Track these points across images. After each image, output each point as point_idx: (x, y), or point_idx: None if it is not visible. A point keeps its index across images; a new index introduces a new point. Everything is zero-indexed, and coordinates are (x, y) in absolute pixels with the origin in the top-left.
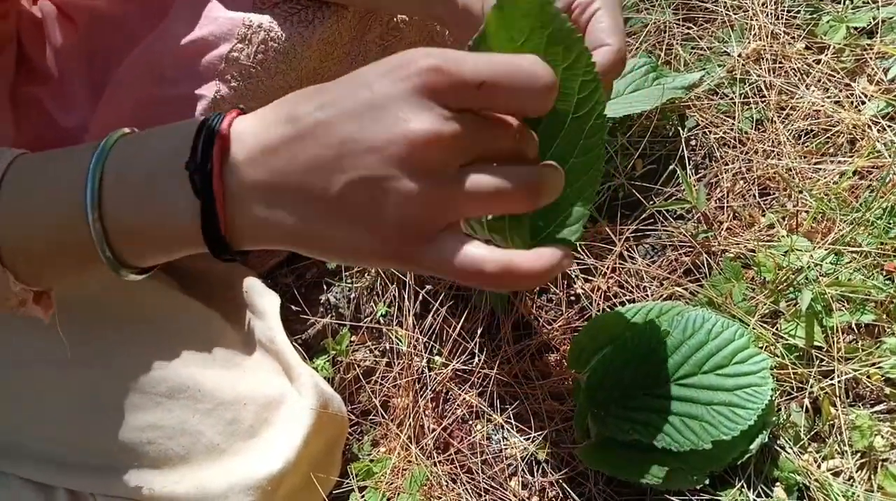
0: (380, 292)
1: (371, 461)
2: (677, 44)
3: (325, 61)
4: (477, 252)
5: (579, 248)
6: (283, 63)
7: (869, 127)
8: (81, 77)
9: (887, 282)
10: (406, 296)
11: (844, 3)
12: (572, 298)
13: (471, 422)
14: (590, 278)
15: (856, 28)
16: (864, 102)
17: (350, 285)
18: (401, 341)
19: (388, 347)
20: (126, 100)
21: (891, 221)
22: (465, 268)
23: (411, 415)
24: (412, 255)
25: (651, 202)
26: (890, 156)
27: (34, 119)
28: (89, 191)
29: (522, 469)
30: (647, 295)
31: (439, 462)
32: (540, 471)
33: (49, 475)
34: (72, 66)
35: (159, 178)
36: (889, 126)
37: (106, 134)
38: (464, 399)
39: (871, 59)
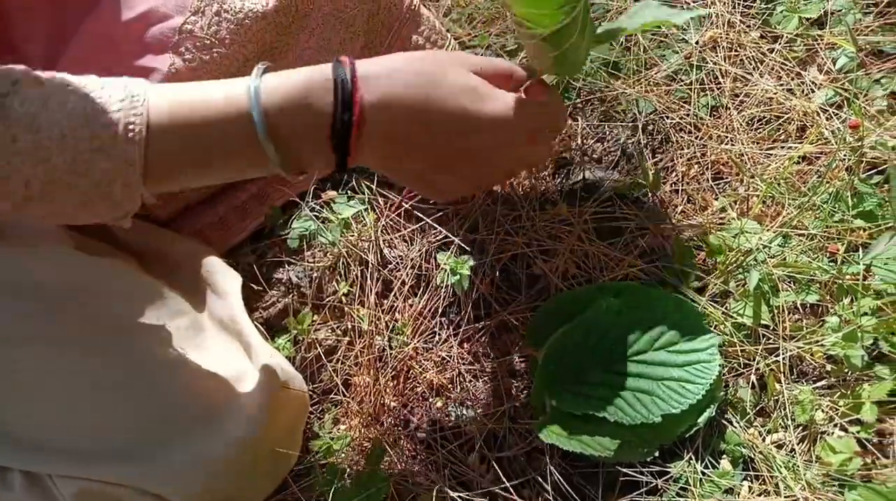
0: (342, 272)
1: (332, 438)
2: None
3: (283, 34)
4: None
5: (541, 229)
6: (239, 34)
7: (818, 114)
8: (39, 37)
9: (831, 264)
10: (368, 276)
11: None
12: (531, 279)
13: (431, 399)
14: (548, 259)
15: (807, 19)
16: (813, 91)
17: (312, 264)
18: (362, 320)
19: (350, 326)
20: (77, 73)
21: (836, 205)
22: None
23: (372, 393)
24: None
25: (609, 184)
26: (836, 143)
27: None
28: (259, 127)
29: (481, 445)
30: (604, 276)
31: (399, 438)
32: (498, 446)
33: (4, 456)
34: (27, 33)
35: (300, 136)
36: (836, 114)
37: None
38: (424, 376)
39: (821, 48)
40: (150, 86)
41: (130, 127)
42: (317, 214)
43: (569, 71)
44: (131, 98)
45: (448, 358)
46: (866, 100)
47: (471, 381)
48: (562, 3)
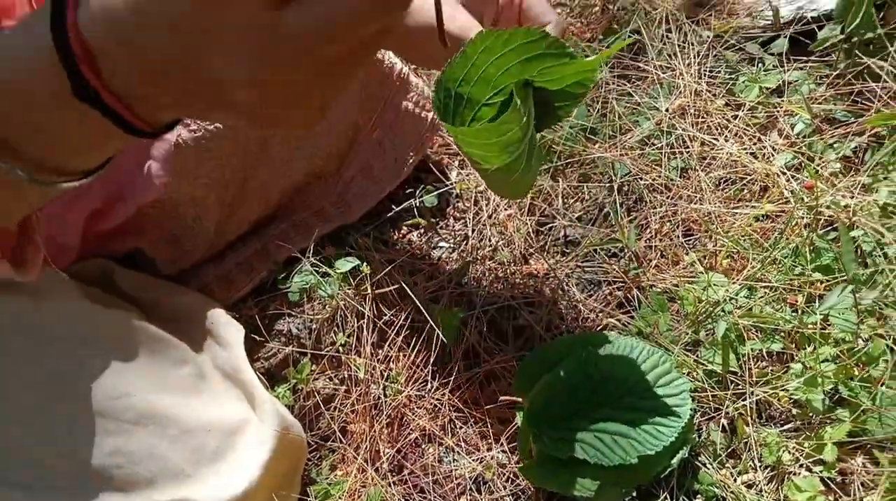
0: (339, 323)
1: (329, 484)
2: (613, 98)
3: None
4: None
5: (526, 283)
6: (211, 141)
7: (778, 176)
8: None
9: (793, 314)
10: (364, 327)
11: (757, 66)
12: (517, 330)
13: (423, 445)
14: (533, 310)
15: (767, 88)
16: (774, 154)
17: (311, 316)
18: (359, 369)
19: (346, 375)
20: None
21: (796, 260)
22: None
23: (368, 439)
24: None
25: (588, 241)
26: (794, 202)
27: None
28: None
29: (471, 488)
30: (584, 326)
31: (394, 483)
32: (487, 490)
33: (15, 496)
34: None
35: (36, 101)
36: (794, 176)
37: None
38: (417, 423)
39: (780, 115)
40: None
41: None
42: (316, 269)
43: (521, 192)
44: None
45: (439, 406)
46: (821, 163)
47: (461, 427)
48: (506, 145)
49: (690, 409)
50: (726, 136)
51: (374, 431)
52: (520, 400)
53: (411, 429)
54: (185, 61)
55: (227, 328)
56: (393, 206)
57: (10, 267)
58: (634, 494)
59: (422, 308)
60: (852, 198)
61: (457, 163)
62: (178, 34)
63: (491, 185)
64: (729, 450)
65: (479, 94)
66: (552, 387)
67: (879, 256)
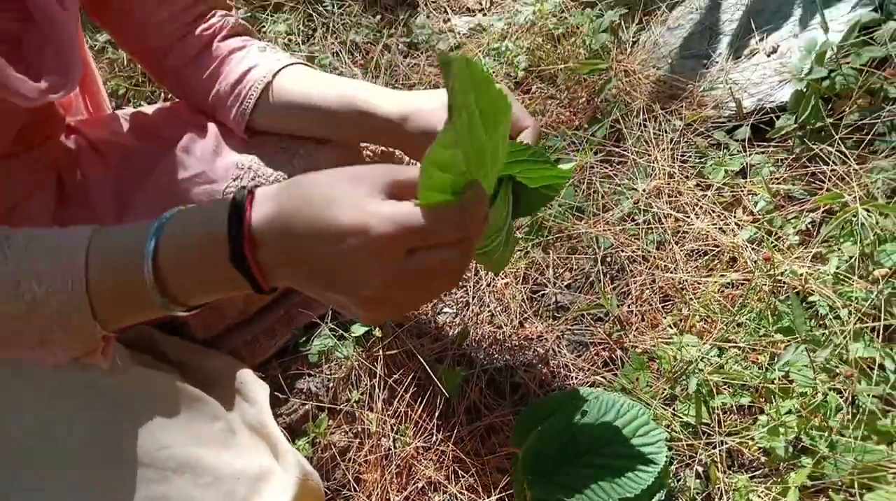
0: (354, 382)
1: None
2: (597, 180)
3: None
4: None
5: (521, 344)
6: None
7: (743, 248)
8: (108, 199)
9: (759, 371)
10: (376, 385)
11: (723, 151)
12: (514, 386)
13: (430, 493)
14: (528, 369)
15: (732, 170)
16: (739, 229)
17: (329, 376)
18: (371, 423)
19: (360, 429)
20: (144, 219)
21: (759, 323)
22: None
23: (379, 488)
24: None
25: (576, 307)
26: (757, 271)
27: None
28: (147, 260)
29: None
30: (573, 383)
31: None
32: None
33: None
34: (100, 189)
35: (208, 263)
36: (757, 249)
37: None
38: (424, 472)
39: (744, 194)
40: (84, 247)
41: (70, 282)
42: (334, 333)
43: (500, 267)
44: (72, 259)
45: (444, 457)
46: (781, 237)
47: (463, 476)
48: (489, 232)
49: (666, 457)
50: (697, 213)
51: (385, 480)
52: (517, 451)
53: (418, 478)
54: (330, 275)
55: (254, 387)
56: None
57: (102, 360)
58: None
59: (427, 368)
60: (806, 268)
61: None
62: (333, 259)
63: (476, 261)
64: (703, 495)
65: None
66: (543, 439)
67: (831, 319)
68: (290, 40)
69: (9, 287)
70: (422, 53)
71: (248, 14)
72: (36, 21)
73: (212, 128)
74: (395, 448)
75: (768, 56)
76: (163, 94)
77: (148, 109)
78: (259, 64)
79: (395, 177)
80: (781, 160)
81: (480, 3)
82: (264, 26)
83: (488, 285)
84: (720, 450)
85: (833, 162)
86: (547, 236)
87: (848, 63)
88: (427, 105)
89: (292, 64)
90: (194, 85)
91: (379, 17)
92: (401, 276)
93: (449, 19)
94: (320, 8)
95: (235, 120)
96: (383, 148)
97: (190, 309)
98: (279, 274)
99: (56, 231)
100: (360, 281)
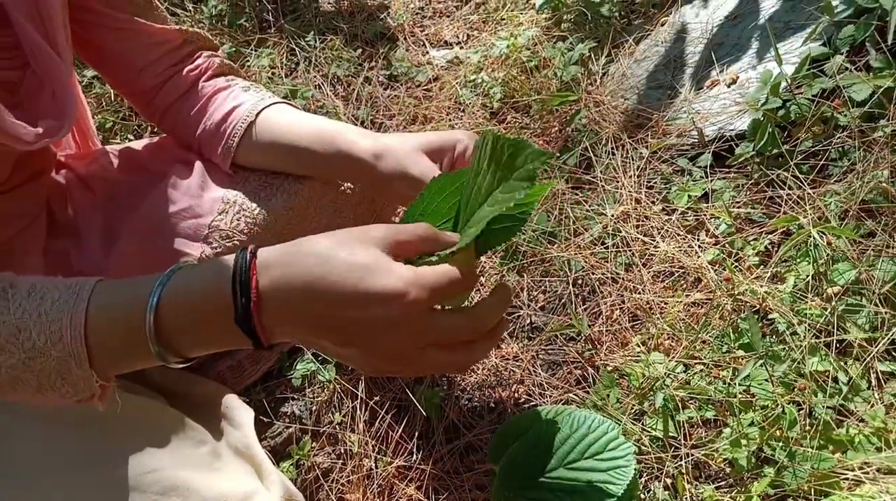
0: (336, 404)
1: None
2: (567, 206)
3: (291, 223)
4: (444, 364)
5: (498, 365)
6: (256, 226)
7: (706, 269)
8: (97, 231)
9: (723, 386)
10: (358, 407)
11: (687, 177)
12: (491, 405)
13: None
14: (505, 389)
15: (695, 195)
16: (702, 250)
17: (311, 399)
18: (353, 444)
19: (343, 450)
20: (132, 251)
21: (722, 340)
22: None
23: None
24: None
25: (550, 327)
26: (719, 291)
27: (60, 267)
28: (149, 312)
29: None
30: (547, 401)
31: None
32: None
33: None
34: (89, 222)
35: (211, 320)
36: (718, 270)
37: (118, 277)
38: (405, 491)
39: (706, 218)
40: (85, 299)
41: (69, 332)
42: (316, 357)
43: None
44: (73, 309)
45: (424, 475)
46: (742, 258)
47: (443, 494)
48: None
49: (635, 469)
50: (663, 236)
51: (367, 499)
52: (494, 467)
53: (400, 497)
54: (350, 336)
55: (239, 411)
56: None
57: (99, 404)
58: None
59: (407, 389)
60: (765, 287)
61: None
62: (358, 322)
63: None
64: None
65: (433, 222)
66: (518, 456)
67: (789, 335)
68: (273, 74)
69: (9, 335)
70: (401, 85)
71: (233, 49)
72: (32, 68)
73: (198, 164)
74: (376, 468)
75: (728, 87)
76: (150, 128)
77: (136, 144)
78: (243, 103)
79: (396, 237)
80: (741, 185)
81: (458, 37)
82: (248, 60)
83: None
84: (687, 462)
85: (789, 186)
86: (521, 260)
87: (801, 93)
88: (398, 146)
89: (275, 103)
90: (181, 122)
91: (360, 50)
92: (425, 338)
93: (427, 52)
94: (303, 42)
95: (221, 156)
96: None
97: (186, 361)
98: (282, 333)
99: (60, 281)
100: (382, 341)
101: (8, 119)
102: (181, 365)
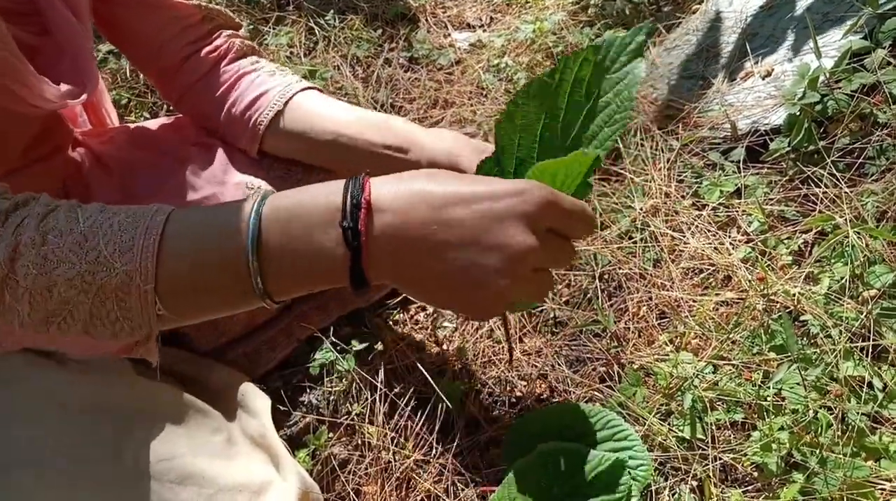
0: (354, 395)
1: None
2: (594, 198)
3: None
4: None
5: (520, 359)
6: None
7: (738, 267)
8: None
9: (752, 388)
10: (377, 398)
11: (719, 171)
12: (513, 400)
13: None
14: (527, 383)
15: (727, 191)
16: (734, 248)
17: (329, 389)
18: (372, 436)
19: (360, 442)
20: None
21: (753, 341)
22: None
23: (378, 500)
24: (492, 314)
25: (574, 323)
26: (751, 290)
27: None
28: (250, 239)
29: None
30: (571, 397)
31: None
32: None
33: None
34: (105, 201)
35: (316, 231)
36: (750, 268)
37: None
38: (423, 486)
39: (738, 215)
40: (166, 211)
41: (143, 240)
42: (335, 346)
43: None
44: (151, 219)
45: (444, 470)
46: (775, 257)
47: (463, 490)
48: None
49: (649, 477)
50: (692, 232)
51: (385, 493)
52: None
53: (418, 491)
54: (464, 241)
55: (256, 400)
56: None
57: (153, 352)
58: None
59: (430, 380)
60: (799, 287)
61: None
62: (474, 221)
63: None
64: None
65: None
66: (531, 464)
67: (823, 338)
68: (291, 53)
69: (73, 243)
70: (422, 68)
71: (251, 26)
72: (52, 34)
73: (220, 150)
74: (394, 461)
75: (763, 79)
76: (165, 106)
77: (153, 124)
78: (271, 88)
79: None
80: (775, 181)
81: (480, 20)
82: (266, 39)
83: None
84: (714, 465)
85: (825, 184)
86: None
87: (839, 88)
88: (428, 141)
89: (304, 89)
90: (202, 105)
91: (380, 31)
92: (533, 254)
93: (449, 34)
94: (322, 22)
95: (247, 141)
96: None
97: (274, 302)
98: (387, 250)
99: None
100: (494, 248)
101: (33, 74)
102: (273, 303)
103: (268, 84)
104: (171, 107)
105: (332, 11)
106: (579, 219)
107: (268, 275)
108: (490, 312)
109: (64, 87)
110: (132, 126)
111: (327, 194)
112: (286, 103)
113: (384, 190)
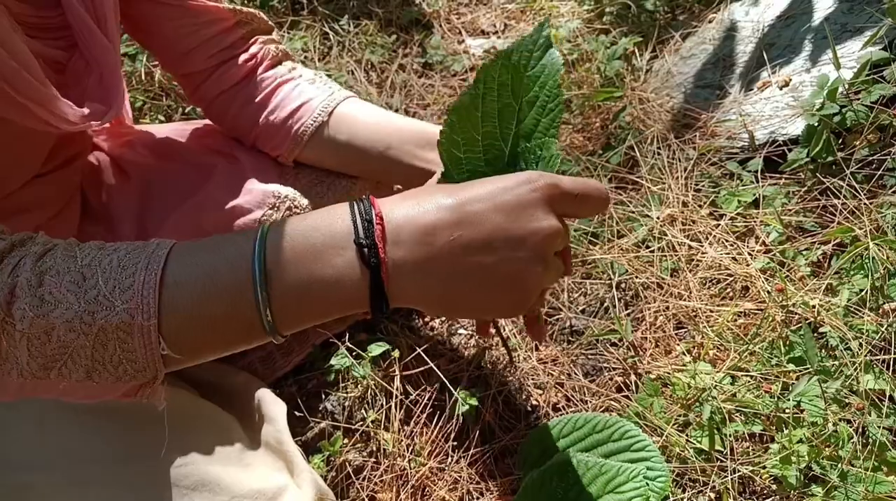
0: (370, 401)
1: None
2: (611, 206)
3: None
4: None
5: (536, 367)
6: None
7: (756, 278)
8: (131, 218)
9: (771, 400)
10: (393, 405)
11: (736, 181)
12: (528, 409)
13: None
14: (543, 392)
15: (745, 201)
16: (751, 259)
17: (345, 395)
18: (387, 443)
19: (375, 448)
20: None
21: (772, 352)
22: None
23: None
24: (527, 307)
25: (591, 331)
26: (770, 301)
27: None
28: (257, 266)
29: None
30: (588, 407)
31: None
32: None
33: None
34: (123, 208)
35: (326, 253)
36: (769, 279)
37: None
38: (438, 494)
39: (757, 225)
40: (167, 246)
41: (143, 275)
42: (351, 352)
43: None
44: (150, 252)
45: (459, 478)
46: (793, 268)
47: (478, 498)
48: None
49: (668, 489)
50: (710, 242)
51: (400, 500)
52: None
53: (433, 499)
54: (484, 234)
55: (272, 405)
56: None
57: (158, 396)
58: None
59: (449, 385)
60: (818, 299)
61: None
62: (491, 213)
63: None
64: None
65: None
66: (545, 477)
67: (843, 351)
68: (306, 57)
69: (70, 283)
70: (436, 74)
71: None
72: (80, 49)
73: (245, 159)
74: (410, 468)
75: (780, 89)
76: (181, 110)
77: (173, 130)
78: (312, 98)
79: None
80: (793, 192)
81: (495, 26)
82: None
83: None
84: (732, 478)
85: (844, 196)
86: None
87: (858, 100)
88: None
89: (346, 98)
90: (234, 112)
91: (394, 36)
92: (559, 236)
93: (463, 41)
94: (336, 26)
95: (287, 149)
96: None
97: (282, 336)
98: (410, 263)
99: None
100: (524, 236)
101: (57, 97)
102: (280, 338)
103: (309, 93)
104: (187, 111)
105: (346, 16)
106: (587, 200)
107: (276, 305)
108: (527, 304)
109: (87, 110)
110: (153, 130)
111: (335, 216)
112: (330, 114)
113: (394, 204)
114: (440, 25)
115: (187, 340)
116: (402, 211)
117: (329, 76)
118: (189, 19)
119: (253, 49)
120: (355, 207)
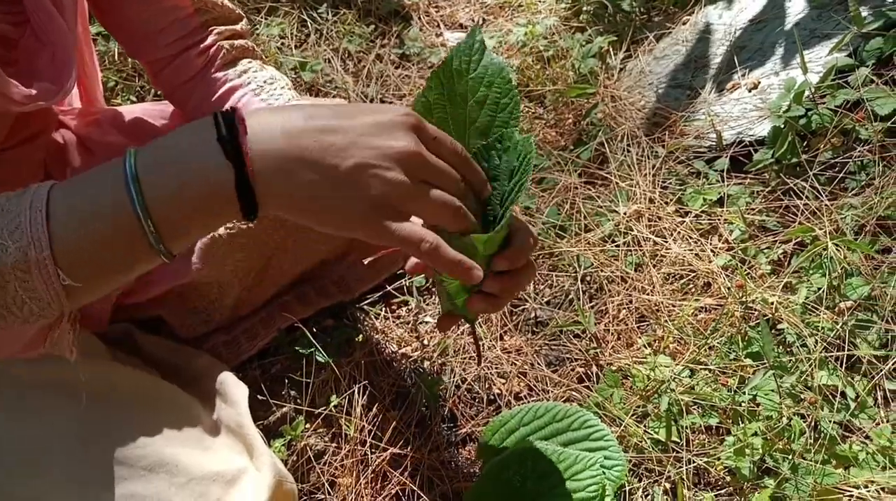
0: (333, 387)
1: None
2: (579, 201)
3: (274, 232)
4: (422, 230)
5: (500, 356)
6: (242, 237)
7: (717, 274)
8: None
9: (728, 393)
10: (357, 390)
11: (703, 180)
12: (491, 397)
13: (403, 500)
14: (506, 381)
15: (710, 199)
16: (714, 256)
17: (309, 380)
18: (349, 428)
19: (337, 433)
20: None
21: (730, 347)
22: (412, 238)
23: (353, 492)
24: (383, 225)
25: (555, 323)
26: (730, 297)
27: None
28: (129, 176)
29: None
30: (549, 396)
31: None
32: None
33: None
34: None
35: (193, 157)
36: (730, 276)
37: None
38: (398, 479)
39: (720, 223)
40: (48, 185)
41: (28, 214)
42: (315, 337)
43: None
44: (31, 192)
45: (419, 465)
46: (754, 265)
47: (438, 485)
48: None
49: (623, 477)
50: (675, 238)
51: (359, 485)
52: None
53: (393, 484)
54: (346, 144)
55: (234, 388)
56: (386, 285)
57: (68, 348)
58: None
59: (413, 372)
60: (777, 296)
61: None
62: (354, 128)
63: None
64: None
65: None
66: (504, 465)
67: (799, 347)
68: (282, 44)
69: None
70: (413, 65)
71: None
72: (31, 25)
73: None
74: (371, 453)
75: (749, 91)
76: (153, 91)
77: (141, 109)
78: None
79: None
80: (757, 192)
81: (473, 20)
82: (258, 29)
83: None
84: (688, 468)
85: (806, 196)
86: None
87: (824, 103)
88: None
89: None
90: (193, 104)
91: (372, 27)
92: (421, 157)
93: (441, 34)
94: (315, 14)
95: None
96: None
97: (171, 251)
98: (273, 162)
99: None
100: (385, 145)
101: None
102: (169, 252)
103: (253, 106)
104: (159, 93)
105: (325, 5)
106: (443, 143)
107: (155, 212)
108: (385, 213)
109: (35, 90)
110: (120, 109)
111: (200, 123)
112: None
113: (259, 110)
114: (419, 17)
115: (83, 265)
116: (266, 115)
117: (305, 64)
118: (149, 4)
119: (206, 42)
120: (219, 115)
